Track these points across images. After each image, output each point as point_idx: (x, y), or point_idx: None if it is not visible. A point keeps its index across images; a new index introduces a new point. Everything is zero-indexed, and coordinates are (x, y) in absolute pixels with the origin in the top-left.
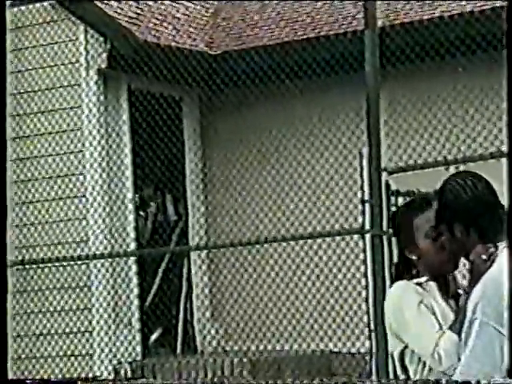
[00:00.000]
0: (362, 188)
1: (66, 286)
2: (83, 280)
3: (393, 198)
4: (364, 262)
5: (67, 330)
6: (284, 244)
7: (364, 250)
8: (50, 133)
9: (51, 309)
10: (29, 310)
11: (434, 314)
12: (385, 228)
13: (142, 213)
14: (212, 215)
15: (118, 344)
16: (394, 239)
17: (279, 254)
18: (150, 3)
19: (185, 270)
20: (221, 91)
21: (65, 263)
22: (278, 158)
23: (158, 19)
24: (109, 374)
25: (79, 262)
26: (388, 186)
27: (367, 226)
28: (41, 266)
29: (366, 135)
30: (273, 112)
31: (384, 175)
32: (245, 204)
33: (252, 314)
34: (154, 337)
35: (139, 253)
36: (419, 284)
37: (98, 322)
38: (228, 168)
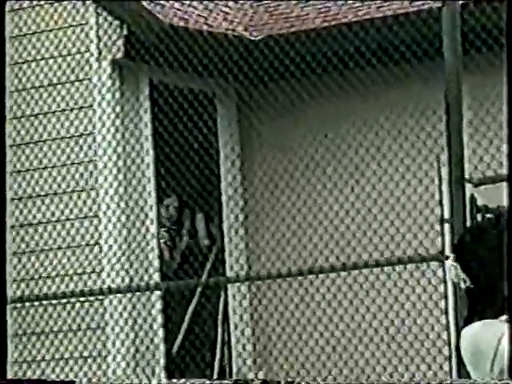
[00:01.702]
0: (440, 204)
1: (73, 328)
2: (95, 320)
3: (479, 216)
4: (444, 296)
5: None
6: (343, 273)
7: (444, 281)
8: (54, 139)
9: (57, 356)
10: (29, 358)
11: None
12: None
13: (166, 236)
14: (254, 239)
15: None
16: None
17: (338, 285)
18: None
19: (221, 307)
20: (264, 85)
21: (72, 299)
22: (335, 167)
23: None
24: None
25: (91, 299)
26: (473, 200)
27: (447, 251)
28: (43, 302)
29: (446, 138)
30: (329, 111)
31: (468, 187)
32: (294, 225)
33: (305, 362)
34: None
35: (164, 286)
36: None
37: (113, 372)
38: (274, 181)
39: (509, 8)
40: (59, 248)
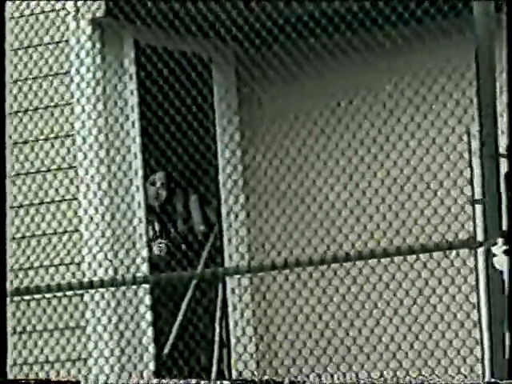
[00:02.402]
0: (471, 183)
1: (49, 327)
2: (75, 318)
3: None
4: (476, 287)
5: None
6: (359, 263)
7: (475, 269)
8: (26, 111)
9: (30, 359)
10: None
11: None
12: None
13: (155, 222)
14: (256, 224)
15: None
16: None
17: (353, 276)
18: None
19: (219, 302)
20: (267, 47)
21: (48, 295)
22: (348, 141)
23: None
24: None
25: (69, 293)
26: (510, 179)
27: (479, 237)
28: (14, 299)
29: (476, 107)
30: (342, 76)
31: (503, 164)
32: (302, 208)
33: (316, 364)
34: None
35: (154, 279)
36: None
37: (96, 378)
38: (278, 157)
39: (509, 8)
40: (32, 236)
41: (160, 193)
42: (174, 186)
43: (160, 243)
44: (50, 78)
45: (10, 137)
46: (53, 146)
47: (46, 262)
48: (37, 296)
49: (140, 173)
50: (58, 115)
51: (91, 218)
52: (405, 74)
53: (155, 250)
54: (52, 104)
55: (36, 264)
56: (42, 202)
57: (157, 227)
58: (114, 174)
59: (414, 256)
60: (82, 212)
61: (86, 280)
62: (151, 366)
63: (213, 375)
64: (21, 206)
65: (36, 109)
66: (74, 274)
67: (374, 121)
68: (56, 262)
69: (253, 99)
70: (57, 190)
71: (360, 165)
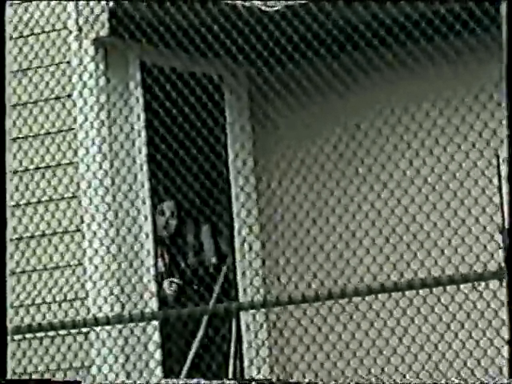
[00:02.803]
0: (501, 208)
1: (52, 367)
2: (79, 358)
3: None
4: (509, 322)
5: None
6: (381, 296)
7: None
8: (26, 137)
9: None
10: None
11: None
12: None
13: (165, 254)
14: (272, 256)
15: None
16: None
17: (376, 310)
18: None
19: (233, 340)
20: (281, 67)
21: (51, 333)
22: (369, 165)
23: None
24: None
25: (73, 331)
26: None
27: None
28: (14, 338)
29: (506, 129)
30: (362, 97)
31: None
32: (321, 238)
33: None
34: None
35: (163, 315)
36: None
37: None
38: (294, 184)
39: (509, 8)
40: (34, 270)
41: (169, 223)
42: (184, 216)
43: (171, 282)
44: (51, 101)
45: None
46: (55, 174)
47: (48, 298)
48: (38, 334)
49: (148, 202)
50: (59, 141)
51: (96, 251)
52: (429, 95)
53: (167, 290)
54: (54, 130)
55: (37, 300)
56: (43, 235)
57: (166, 260)
58: (119, 203)
59: (441, 288)
60: (85, 244)
61: (90, 317)
62: None
63: None
64: (21, 238)
65: (37, 135)
66: (77, 310)
67: (397, 144)
68: (58, 298)
69: (267, 122)
70: (59, 221)
71: (382, 192)
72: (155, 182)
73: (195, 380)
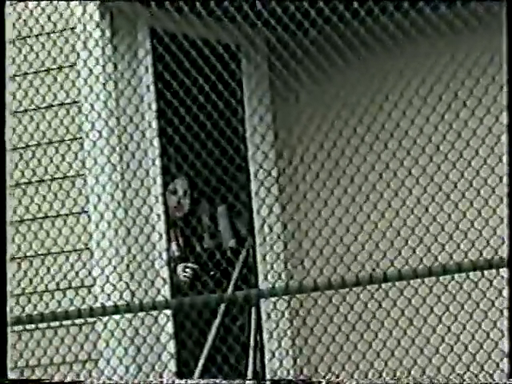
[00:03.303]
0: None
1: (56, 360)
2: (85, 350)
3: None
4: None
5: None
6: (391, 284)
7: None
8: (26, 110)
9: None
10: None
11: None
12: None
13: (178, 237)
14: (294, 238)
15: None
16: None
17: (404, 296)
18: None
19: (252, 330)
20: (304, 34)
21: (55, 323)
22: (400, 137)
23: None
24: None
25: (78, 321)
26: None
27: None
28: (15, 328)
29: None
30: (397, 63)
31: None
32: (347, 219)
33: None
34: None
35: (176, 303)
36: None
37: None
38: (317, 160)
39: (509, 8)
40: (36, 255)
41: (182, 203)
42: (198, 195)
43: (186, 267)
44: (54, 72)
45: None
46: (57, 150)
47: (51, 286)
48: (41, 325)
49: (159, 180)
50: (62, 116)
51: (103, 234)
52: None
53: (181, 276)
54: (56, 103)
55: (40, 288)
56: (45, 216)
57: (180, 243)
58: (128, 182)
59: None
60: (92, 227)
61: (97, 306)
62: None
63: None
64: (22, 220)
65: (37, 108)
66: (83, 299)
67: (429, 117)
68: (63, 285)
69: (288, 94)
70: (63, 201)
71: (412, 171)
72: (167, 158)
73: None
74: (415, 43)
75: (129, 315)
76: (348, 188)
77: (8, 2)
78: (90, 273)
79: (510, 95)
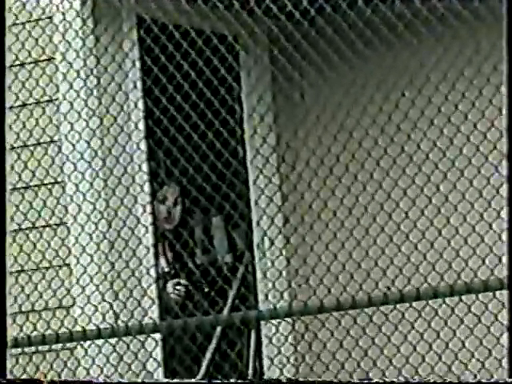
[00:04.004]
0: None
1: None
2: (64, 378)
3: None
4: None
5: None
6: (408, 304)
7: None
8: (12, 107)
9: None
10: None
11: None
12: None
13: (167, 252)
14: (297, 254)
15: None
16: None
17: (427, 317)
18: None
19: (251, 354)
20: (309, 23)
21: (30, 348)
22: (414, 136)
23: None
24: None
25: (56, 347)
26: None
27: None
28: None
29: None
30: (413, 56)
31: None
32: (356, 232)
33: None
34: None
35: (166, 326)
36: None
37: None
38: (324, 165)
39: (509, 8)
40: (8, 272)
41: (172, 213)
42: (190, 205)
43: (177, 285)
44: (29, 66)
45: None
46: (32, 154)
47: (26, 307)
48: (14, 351)
49: (146, 188)
50: (38, 115)
51: (83, 249)
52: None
53: (171, 295)
54: (31, 101)
55: (12, 309)
56: (19, 229)
57: (169, 258)
58: (112, 190)
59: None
60: (71, 240)
61: (77, 329)
62: None
63: None
64: None
65: (10, 107)
66: (62, 321)
67: (450, 115)
68: (38, 306)
69: (292, 90)
70: (39, 212)
71: (426, 175)
72: (155, 163)
73: None
74: (437, 36)
75: (112, 340)
76: (359, 197)
77: None
78: (68, 292)
79: (510, 96)
